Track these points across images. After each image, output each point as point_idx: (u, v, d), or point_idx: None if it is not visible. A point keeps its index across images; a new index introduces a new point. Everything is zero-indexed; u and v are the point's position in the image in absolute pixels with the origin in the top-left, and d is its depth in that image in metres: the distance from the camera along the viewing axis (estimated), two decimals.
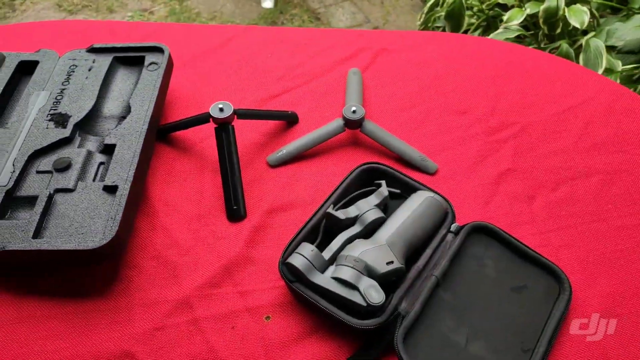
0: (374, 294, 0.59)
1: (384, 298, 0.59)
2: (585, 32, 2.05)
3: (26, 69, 0.85)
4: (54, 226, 0.65)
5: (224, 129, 0.73)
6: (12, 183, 0.69)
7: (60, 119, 0.77)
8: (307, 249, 0.62)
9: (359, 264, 0.61)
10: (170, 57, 0.84)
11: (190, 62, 0.95)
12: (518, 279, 0.65)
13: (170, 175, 0.78)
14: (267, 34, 1.01)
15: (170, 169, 0.79)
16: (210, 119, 0.74)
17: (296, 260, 0.61)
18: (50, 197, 0.67)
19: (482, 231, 0.68)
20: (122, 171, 0.69)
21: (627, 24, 2.12)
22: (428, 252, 0.66)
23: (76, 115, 0.77)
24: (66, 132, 0.75)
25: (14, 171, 0.71)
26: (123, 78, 0.85)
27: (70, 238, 0.63)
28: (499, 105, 0.88)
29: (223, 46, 0.98)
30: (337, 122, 0.80)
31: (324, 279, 0.61)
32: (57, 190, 0.68)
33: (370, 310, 0.59)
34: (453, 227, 0.68)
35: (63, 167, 0.71)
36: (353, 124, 0.80)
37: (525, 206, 0.74)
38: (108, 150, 0.74)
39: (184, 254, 0.70)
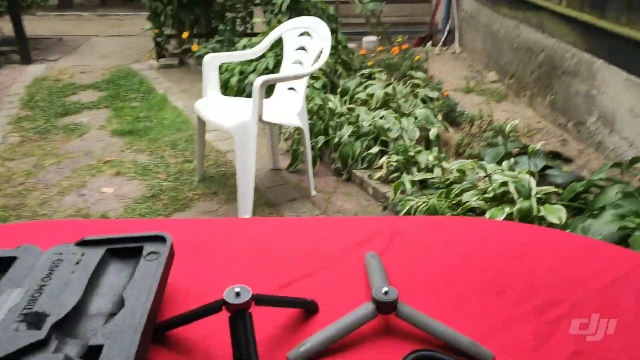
0: None
1: None
2: (563, 228, 2.11)
3: (2, 266, 0.73)
4: None
5: (240, 316, 0.61)
6: None
7: (34, 320, 0.63)
8: None
9: None
10: (172, 247, 0.75)
11: (188, 253, 0.85)
12: None
13: None
14: (272, 224, 0.95)
15: None
16: (223, 307, 0.62)
17: None
18: None
19: None
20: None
21: (599, 220, 2.21)
22: None
23: (55, 314, 0.63)
24: (40, 335, 0.60)
25: None
26: (116, 271, 0.74)
27: None
28: (535, 283, 0.80)
29: (225, 236, 0.90)
30: (367, 307, 0.69)
31: None
32: None
33: None
34: None
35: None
36: (386, 308, 0.69)
37: None
38: (92, 354, 0.58)
39: None
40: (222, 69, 3.70)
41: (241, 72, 3.63)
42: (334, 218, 0.97)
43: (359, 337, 0.69)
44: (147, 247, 0.75)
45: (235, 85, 3.57)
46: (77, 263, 0.73)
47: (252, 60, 3.56)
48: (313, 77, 3.42)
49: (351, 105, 3.27)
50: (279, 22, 3.62)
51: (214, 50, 4.64)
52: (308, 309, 0.73)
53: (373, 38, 5.49)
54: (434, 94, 3.41)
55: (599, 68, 3.10)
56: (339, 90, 3.52)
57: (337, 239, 0.90)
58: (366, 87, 3.38)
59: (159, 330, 0.68)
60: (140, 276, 0.69)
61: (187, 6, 4.80)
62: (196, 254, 0.86)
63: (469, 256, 0.86)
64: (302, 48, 2.73)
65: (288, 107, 2.67)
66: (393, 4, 6.17)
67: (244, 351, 0.59)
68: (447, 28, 5.70)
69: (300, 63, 2.71)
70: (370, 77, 3.65)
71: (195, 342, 0.68)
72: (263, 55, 3.17)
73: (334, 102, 3.22)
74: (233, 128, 2.41)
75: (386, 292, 0.69)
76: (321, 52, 2.55)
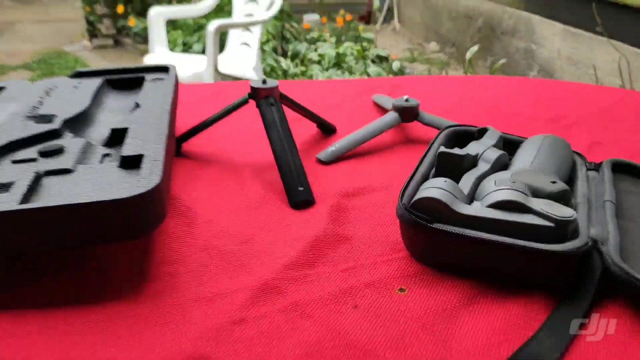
0: (559, 210, 0.41)
1: (574, 213, 0.41)
2: None
3: None
4: (49, 195, 0.42)
5: (272, 101, 0.58)
6: None
7: (42, 118, 0.57)
8: (440, 182, 0.44)
9: (517, 185, 0.44)
10: (177, 77, 0.70)
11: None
12: None
13: (196, 180, 0.58)
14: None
15: (195, 175, 0.59)
16: (250, 100, 0.59)
17: (433, 193, 0.42)
18: (36, 179, 0.45)
19: (622, 168, 0.55)
20: (144, 142, 0.50)
21: None
22: (580, 183, 0.50)
23: (64, 114, 0.58)
24: (53, 126, 0.55)
25: None
26: (119, 97, 0.68)
27: (78, 197, 0.40)
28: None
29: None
30: (391, 114, 0.68)
31: (477, 210, 0.42)
32: (48, 173, 0.46)
33: (559, 233, 0.40)
34: (590, 165, 0.54)
35: (52, 151, 0.49)
36: (409, 114, 0.68)
37: None
38: (116, 139, 0.54)
39: (244, 241, 0.47)
40: (168, 28, 3.56)
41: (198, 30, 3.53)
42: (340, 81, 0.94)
43: (382, 144, 0.68)
44: (149, 77, 0.70)
45: (181, 42, 3.46)
46: (75, 87, 0.67)
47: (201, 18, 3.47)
48: (262, 41, 3.37)
49: (303, 68, 3.26)
50: None
51: None
52: (326, 128, 0.71)
53: (315, 16, 5.50)
54: (384, 53, 3.46)
55: (537, 23, 3.26)
56: (289, 54, 3.49)
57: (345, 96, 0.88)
58: (316, 49, 3.38)
59: (184, 138, 0.64)
60: (152, 91, 0.64)
61: None
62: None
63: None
64: (253, 1, 2.69)
65: (243, 61, 2.61)
66: None
67: (281, 132, 0.56)
68: (386, 6, 5.81)
69: (252, 15, 2.66)
70: (318, 41, 3.65)
71: (214, 149, 0.64)
72: (214, 12, 3.09)
73: (286, 63, 3.19)
74: (187, 79, 2.33)
75: (407, 100, 0.68)
76: (273, 1, 2.51)
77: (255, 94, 0.59)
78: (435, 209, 0.42)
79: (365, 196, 0.55)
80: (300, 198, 0.53)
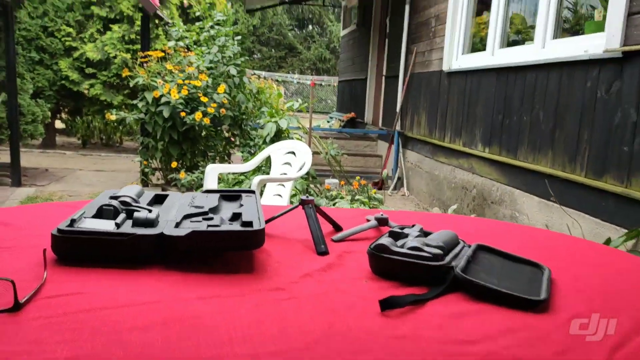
0: (435, 250, 0.96)
1: (442, 252, 0.96)
2: None
3: (162, 198, 1.25)
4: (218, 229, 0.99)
5: (312, 206, 1.17)
6: (178, 220, 1.04)
7: (197, 207, 1.16)
8: (387, 238, 1.00)
9: (420, 242, 0.99)
10: (258, 196, 1.30)
11: None
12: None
13: (268, 242, 1.14)
14: None
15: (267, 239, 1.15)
16: (300, 206, 1.18)
17: (383, 241, 0.98)
18: (207, 226, 1.02)
19: (484, 248, 1.09)
20: (252, 216, 1.07)
21: None
22: (456, 250, 1.05)
23: (207, 206, 1.16)
24: (204, 209, 1.13)
25: (176, 217, 1.06)
26: (228, 203, 1.27)
27: (234, 228, 0.97)
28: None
29: None
30: (372, 222, 1.25)
31: (400, 249, 0.97)
32: (210, 225, 1.03)
33: (435, 259, 0.94)
34: (466, 244, 1.09)
35: (209, 218, 1.07)
36: (382, 222, 1.25)
37: None
38: (234, 218, 1.11)
39: (296, 262, 1.02)
40: (219, 180, 4.32)
41: (235, 184, 4.27)
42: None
43: (366, 236, 1.24)
44: (244, 195, 1.30)
45: None
46: (206, 197, 1.26)
47: (243, 174, 4.24)
48: (291, 194, 4.09)
49: None
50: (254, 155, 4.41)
51: (197, 178, 5.33)
52: (337, 227, 1.28)
53: (335, 181, 6.36)
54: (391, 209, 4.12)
55: (518, 196, 3.94)
56: None
57: None
58: (334, 204, 4.07)
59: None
60: (247, 201, 1.24)
61: (177, 142, 5.58)
62: None
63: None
64: (287, 164, 3.44)
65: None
66: (350, 157, 7.27)
67: (315, 222, 1.14)
68: (396, 176, 6.70)
69: (286, 174, 3.39)
70: (336, 199, 4.36)
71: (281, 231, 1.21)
72: (253, 171, 3.85)
73: None
74: None
75: (382, 214, 1.26)
76: (304, 164, 3.25)
77: (303, 202, 1.18)
78: (383, 248, 0.97)
79: (354, 254, 1.10)
80: (322, 250, 1.08)
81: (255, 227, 0.99)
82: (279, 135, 4.81)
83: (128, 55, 7.94)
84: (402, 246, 1.01)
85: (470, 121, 4.81)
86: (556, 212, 3.45)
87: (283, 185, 3.39)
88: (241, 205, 1.19)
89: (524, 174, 3.85)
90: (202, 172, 5.44)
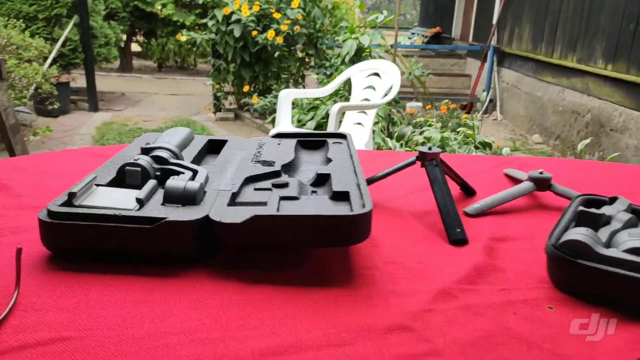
0: None
1: None
2: None
3: (220, 144, 0.89)
4: (290, 211, 0.60)
5: (436, 163, 0.75)
6: (236, 189, 0.67)
7: (265, 163, 0.78)
8: (583, 230, 0.57)
9: None
10: (352, 141, 0.90)
11: None
12: None
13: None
14: None
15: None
16: (417, 162, 0.77)
17: (580, 236, 0.56)
18: (279, 200, 0.64)
19: None
20: (347, 181, 0.68)
21: None
22: None
23: (280, 161, 0.78)
24: (275, 168, 0.75)
25: (234, 184, 0.69)
26: (310, 154, 0.89)
27: (319, 209, 0.58)
28: None
29: None
30: (527, 184, 0.82)
31: (614, 253, 0.55)
32: (282, 198, 0.65)
33: None
34: None
35: (281, 184, 0.69)
36: (542, 184, 0.82)
37: None
38: (320, 181, 0.73)
39: (418, 262, 0.63)
40: (293, 105, 3.96)
41: (310, 109, 3.90)
42: None
43: (518, 206, 0.81)
44: (330, 140, 0.91)
45: (296, 119, 3.83)
46: (278, 144, 0.88)
47: (319, 99, 3.85)
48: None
49: (407, 148, 3.46)
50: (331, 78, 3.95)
51: (270, 103, 4.99)
52: (468, 191, 0.86)
53: (418, 103, 5.79)
54: (489, 140, 3.59)
55: None
56: (395, 135, 3.73)
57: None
58: (422, 132, 3.59)
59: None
60: (336, 151, 0.84)
61: (249, 64, 5.20)
62: None
63: None
64: (371, 87, 2.98)
65: (356, 138, 2.86)
66: (435, 77, 6.58)
67: (443, 187, 0.73)
68: (488, 97, 5.99)
69: (368, 100, 2.94)
70: (423, 126, 3.87)
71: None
72: (330, 96, 3.44)
73: (392, 143, 3.42)
74: None
75: (541, 172, 0.83)
76: (391, 87, 2.78)
77: (423, 157, 0.76)
78: (579, 248, 0.55)
79: (510, 242, 0.69)
80: (458, 237, 0.68)
81: (357, 208, 0.60)
82: (360, 54, 4.28)
83: None
84: (609, 243, 0.58)
85: (590, 32, 4.01)
86: None
87: (365, 112, 2.96)
88: (328, 159, 0.80)
89: None
90: (275, 97, 5.09)
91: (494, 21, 5.87)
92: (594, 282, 0.55)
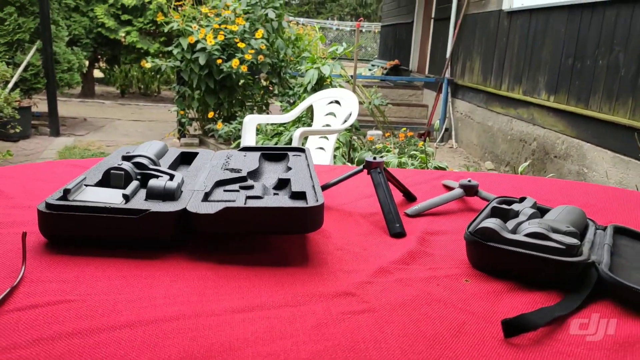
0: (569, 240, 0.67)
1: (578, 242, 0.67)
2: None
3: (190, 157, 0.99)
4: (260, 204, 0.72)
5: (380, 170, 0.88)
6: (208, 189, 0.78)
7: (233, 170, 0.89)
8: (493, 220, 0.71)
9: (543, 225, 0.70)
10: (310, 155, 1.03)
11: None
12: None
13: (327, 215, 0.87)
14: None
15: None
16: (364, 169, 0.90)
17: (490, 224, 0.69)
18: (245, 199, 0.76)
19: (621, 231, 0.80)
20: (304, 184, 0.80)
21: None
22: (588, 234, 0.75)
23: (245, 169, 0.90)
24: (242, 174, 0.87)
25: (206, 185, 0.80)
26: (272, 164, 1.00)
27: (280, 204, 0.70)
28: None
29: None
30: (458, 190, 0.96)
31: (516, 237, 0.68)
32: (248, 197, 0.77)
33: (568, 253, 0.66)
34: (599, 226, 0.79)
35: (247, 187, 0.81)
36: (471, 190, 0.96)
37: None
38: (281, 185, 0.85)
39: (363, 249, 0.75)
40: (258, 131, 4.08)
41: (274, 135, 4.02)
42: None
43: (450, 209, 0.95)
44: (290, 154, 1.03)
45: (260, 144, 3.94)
46: (244, 156, 1.00)
47: (283, 125, 3.98)
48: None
49: None
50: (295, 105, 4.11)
51: (235, 129, 5.10)
52: (410, 197, 1.00)
53: (378, 132, 6.02)
54: (443, 165, 3.79)
55: (588, 150, 3.53)
56: (356, 160, 3.90)
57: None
58: (382, 157, 3.77)
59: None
60: (295, 161, 0.96)
61: (214, 91, 5.32)
62: None
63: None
64: (331, 114, 3.14)
65: (318, 162, 3.00)
66: (394, 107, 6.86)
67: (384, 190, 0.86)
68: (444, 126, 6.28)
69: (329, 126, 3.09)
70: (382, 152, 4.06)
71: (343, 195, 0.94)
72: (294, 122, 3.58)
73: None
74: None
75: (469, 180, 0.97)
76: (350, 114, 2.95)
77: (368, 165, 0.90)
78: (490, 234, 0.69)
79: (440, 235, 0.82)
80: (397, 230, 0.81)
81: (311, 202, 0.72)
82: (321, 83, 4.47)
83: (163, 0, 7.63)
84: (515, 230, 0.72)
85: (533, 66, 4.34)
86: (634, 168, 3.05)
87: (326, 137, 3.11)
88: (288, 168, 0.92)
89: (597, 125, 3.43)
90: (240, 123, 5.20)
91: (448, 55, 6.22)
92: (501, 260, 0.68)
